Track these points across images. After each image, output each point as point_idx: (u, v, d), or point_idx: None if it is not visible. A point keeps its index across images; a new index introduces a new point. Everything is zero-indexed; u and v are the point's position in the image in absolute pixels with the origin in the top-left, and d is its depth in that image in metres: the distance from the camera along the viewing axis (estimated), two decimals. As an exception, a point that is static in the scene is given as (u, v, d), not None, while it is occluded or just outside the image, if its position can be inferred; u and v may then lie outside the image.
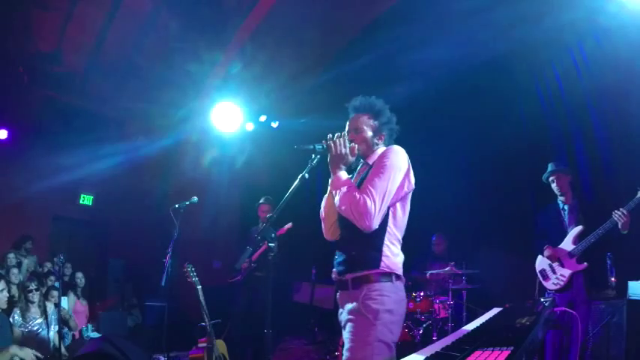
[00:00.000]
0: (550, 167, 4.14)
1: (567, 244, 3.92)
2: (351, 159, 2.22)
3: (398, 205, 2.16)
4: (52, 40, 6.86)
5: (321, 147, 2.20)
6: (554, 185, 4.08)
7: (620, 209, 3.58)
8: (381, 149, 2.31)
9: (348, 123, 2.36)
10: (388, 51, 6.10)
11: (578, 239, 3.87)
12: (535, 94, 5.77)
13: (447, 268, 4.95)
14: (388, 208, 2.11)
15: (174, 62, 7.23)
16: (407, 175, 2.16)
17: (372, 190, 2.05)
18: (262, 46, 7.13)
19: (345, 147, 2.19)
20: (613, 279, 3.93)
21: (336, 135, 2.23)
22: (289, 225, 4.75)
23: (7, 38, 6.60)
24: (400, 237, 2.19)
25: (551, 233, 4.06)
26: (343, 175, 2.19)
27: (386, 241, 2.10)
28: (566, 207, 4.07)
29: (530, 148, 5.76)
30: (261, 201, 5.34)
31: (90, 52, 7.26)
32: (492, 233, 5.75)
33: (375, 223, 2.04)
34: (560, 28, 4.90)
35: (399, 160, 2.15)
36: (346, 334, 2.05)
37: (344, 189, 2.11)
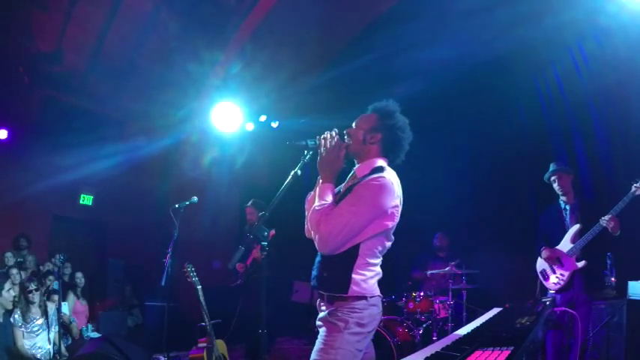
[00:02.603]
0: (552, 167, 4.13)
1: (566, 243, 3.92)
2: (341, 165, 2.13)
3: (374, 239, 2.05)
4: (52, 40, 6.85)
5: (313, 143, 2.15)
6: (555, 185, 4.07)
7: (607, 215, 3.63)
8: (374, 161, 2.16)
9: None
10: (388, 51, 6.10)
11: (576, 238, 3.87)
12: (535, 94, 5.78)
13: (447, 268, 4.95)
14: (360, 242, 2.03)
15: (174, 62, 7.23)
16: (386, 214, 2.02)
17: (339, 221, 1.96)
18: (262, 47, 7.13)
19: (336, 153, 2.09)
20: (613, 279, 3.93)
21: (327, 134, 2.13)
22: (272, 232, 4.73)
23: (7, 38, 6.60)
24: (378, 260, 2.11)
25: (553, 233, 4.06)
26: (329, 189, 2.08)
27: (356, 269, 2.03)
28: (567, 207, 4.07)
29: (530, 148, 5.77)
30: (248, 204, 5.34)
31: (90, 52, 7.26)
32: (492, 233, 5.76)
33: (331, 251, 2.00)
34: (560, 28, 4.91)
35: (384, 197, 1.99)
36: (318, 338, 2.06)
37: (317, 206, 2.03)
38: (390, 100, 2.24)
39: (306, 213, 2.29)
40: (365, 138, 2.17)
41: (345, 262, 2.03)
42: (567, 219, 4.03)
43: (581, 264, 3.79)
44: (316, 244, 2.03)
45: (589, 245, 3.76)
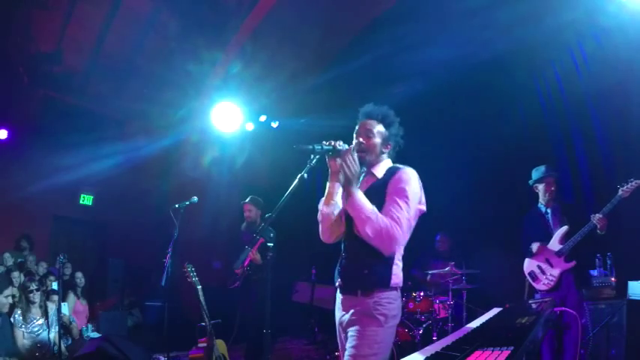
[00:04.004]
0: (545, 172, 4.16)
1: (554, 245, 3.98)
2: (360, 171, 2.21)
3: (411, 228, 2.21)
4: (52, 40, 6.85)
5: (320, 147, 2.17)
6: (551, 188, 4.11)
7: (597, 214, 3.72)
8: (386, 162, 2.34)
9: (357, 127, 2.36)
10: (388, 51, 6.10)
11: (564, 239, 3.94)
12: (535, 94, 5.77)
13: (446, 268, 4.94)
14: None
15: (174, 62, 7.23)
16: (420, 200, 2.22)
17: (400, 219, 2.08)
18: (262, 46, 7.13)
19: (357, 164, 2.16)
20: (613, 279, 3.94)
21: (338, 144, 2.18)
22: (261, 239, 4.72)
23: (7, 38, 6.60)
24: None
25: (537, 237, 4.11)
26: (362, 197, 2.13)
27: (396, 260, 2.17)
28: (549, 210, 4.14)
29: (530, 148, 5.76)
30: (246, 200, 5.33)
31: (90, 52, 7.26)
32: (492, 233, 5.75)
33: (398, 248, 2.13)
34: (560, 28, 4.91)
35: (417, 187, 2.20)
36: (352, 333, 2.10)
37: (372, 215, 2.08)
38: (384, 106, 2.35)
39: (320, 217, 2.34)
40: (381, 150, 2.32)
41: (389, 255, 2.13)
42: (551, 222, 4.09)
43: (570, 264, 3.86)
44: (385, 250, 2.09)
45: (577, 245, 3.84)
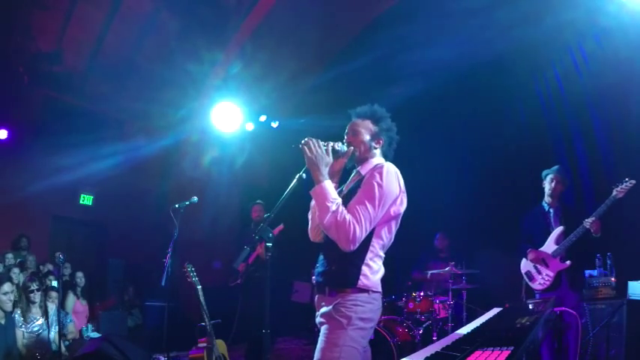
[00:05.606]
0: (557, 169, 4.18)
1: (550, 245, 4.01)
2: (330, 160, 2.15)
3: (384, 226, 2.12)
4: (52, 40, 6.86)
5: None
6: (550, 185, 4.12)
7: (590, 218, 3.73)
8: (376, 159, 2.28)
9: (347, 129, 2.34)
10: (388, 51, 6.10)
11: (560, 239, 3.96)
12: (535, 94, 5.78)
13: (446, 268, 4.95)
14: (373, 228, 2.08)
15: (175, 62, 7.23)
16: (395, 200, 2.10)
17: (361, 215, 2.00)
18: (262, 46, 7.13)
19: (320, 147, 2.12)
20: (613, 279, 3.94)
21: (308, 140, 2.18)
22: (281, 227, 4.74)
23: (7, 38, 6.60)
24: (383, 253, 2.17)
25: (537, 235, 4.13)
26: (328, 185, 2.09)
27: (367, 260, 2.08)
28: (551, 210, 4.15)
29: (530, 148, 5.76)
30: (257, 201, 5.36)
31: (90, 52, 7.26)
32: (492, 233, 5.75)
33: (356, 246, 2.02)
34: (560, 28, 4.91)
35: (391, 184, 2.08)
36: (320, 336, 2.07)
37: (332, 206, 2.02)
38: (375, 105, 2.34)
39: (310, 215, 2.33)
40: (370, 145, 2.28)
41: (356, 254, 2.05)
42: (552, 222, 4.11)
43: (566, 265, 3.88)
44: (341, 245, 2.01)
45: (573, 246, 3.85)
